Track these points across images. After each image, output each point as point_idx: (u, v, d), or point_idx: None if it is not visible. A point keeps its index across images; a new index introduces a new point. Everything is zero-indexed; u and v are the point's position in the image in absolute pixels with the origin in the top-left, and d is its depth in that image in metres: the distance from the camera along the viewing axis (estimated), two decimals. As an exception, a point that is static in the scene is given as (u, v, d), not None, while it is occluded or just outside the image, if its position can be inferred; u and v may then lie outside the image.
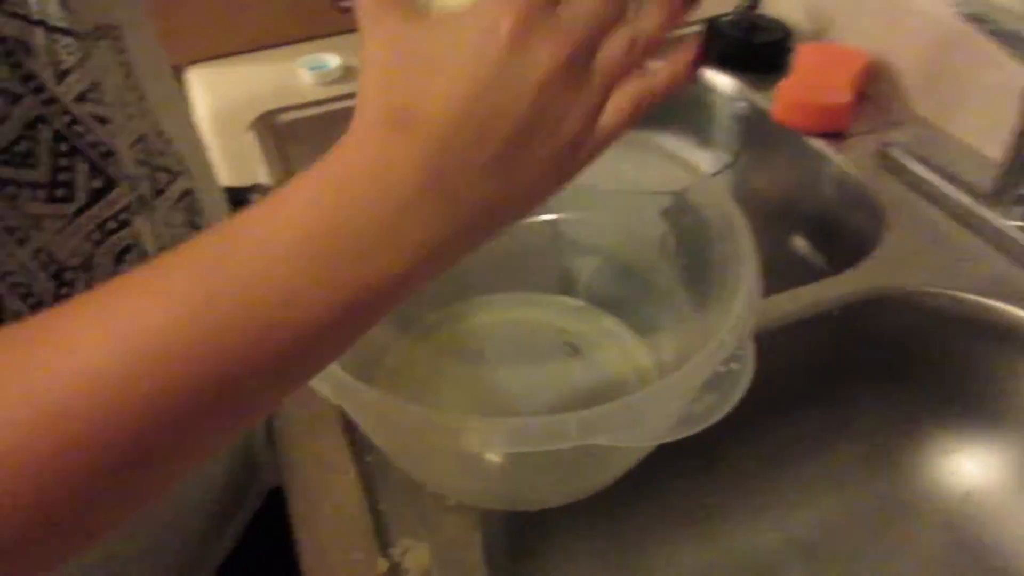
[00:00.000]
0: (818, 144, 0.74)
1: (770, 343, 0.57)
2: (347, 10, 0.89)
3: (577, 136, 0.29)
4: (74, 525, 0.25)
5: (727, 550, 0.56)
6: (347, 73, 0.84)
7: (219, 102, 0.81)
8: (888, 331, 0.59)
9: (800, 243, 0.77)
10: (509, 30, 0.27)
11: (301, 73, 0.83)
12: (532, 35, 0.27)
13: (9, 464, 0.23)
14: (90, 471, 0.24)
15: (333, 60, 0.83)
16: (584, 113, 0.28)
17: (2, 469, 0.23)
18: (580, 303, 0.56)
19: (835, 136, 0.74)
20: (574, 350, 0.53)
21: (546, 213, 0.58)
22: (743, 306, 0.39)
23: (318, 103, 0.78)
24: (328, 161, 0.27)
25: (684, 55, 0.31)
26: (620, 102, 0.29)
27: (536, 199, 0.29)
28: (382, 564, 0.42)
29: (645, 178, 0.55)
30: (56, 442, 0.24)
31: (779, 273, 0.76)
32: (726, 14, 0.85)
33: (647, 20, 0.29)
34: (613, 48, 0.28)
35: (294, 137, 0.75)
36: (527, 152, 0.28)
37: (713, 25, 0.84)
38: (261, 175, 0.71)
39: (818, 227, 0.75)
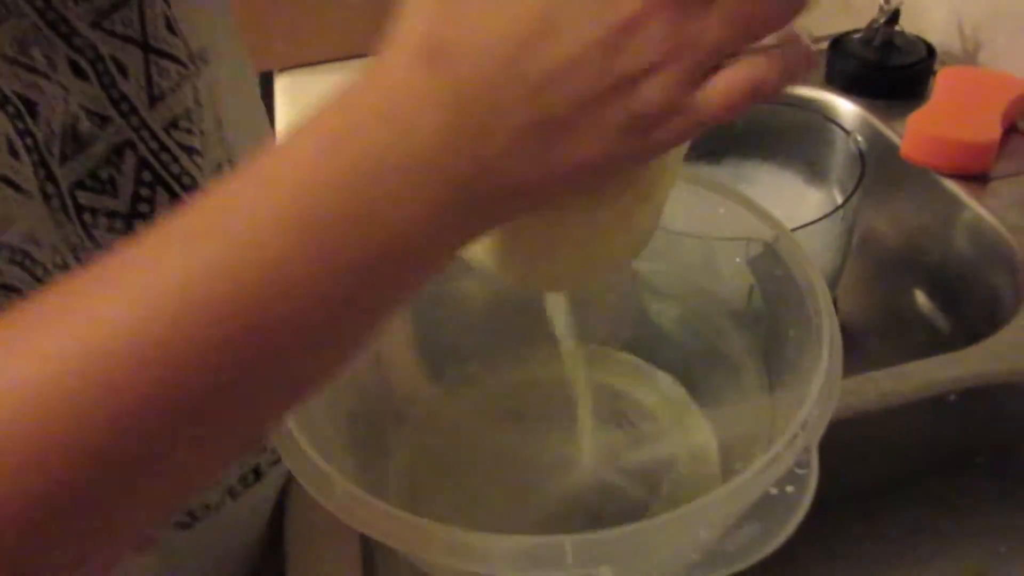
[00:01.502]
0: (953, 186, 0.63)
1: (870, 426, 0.49)
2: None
3: (661, 107, 0.22)
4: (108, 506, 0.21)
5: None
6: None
7: (301, 114, 0.79)
8: (1019, 425, 0.49)
9: (922, 300, 0.66)
10: None
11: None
12: None
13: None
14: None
15: (418, 70, 0.79)
16: (677, 80, 0.22)
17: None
18: (642, 362, 0.49)
19: (975, 178, 0.63)
20: (624, 419, 0.46)
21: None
22: (810, 412, 0.31)
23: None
24: (337, 99, 0.22)
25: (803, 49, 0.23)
26: (727, 82, 0.22)
27: (587, 177, 0.23)
28: (368, 661, 0.37)
29: (732, 225, 0.47)
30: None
31: (893, 333, 0.66)
32: (856, 31, 0.74)
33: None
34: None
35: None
36: (588, 117, 0.22)
37: (840, 43, 0.74)
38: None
39: (945, 284, 0.64)
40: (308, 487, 0.30)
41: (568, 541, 0.27)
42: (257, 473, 0.44)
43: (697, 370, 0.48)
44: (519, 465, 0.44)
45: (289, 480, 0.47)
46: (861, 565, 0.51)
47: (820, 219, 0.54)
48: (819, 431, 0.31)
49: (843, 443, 0.48)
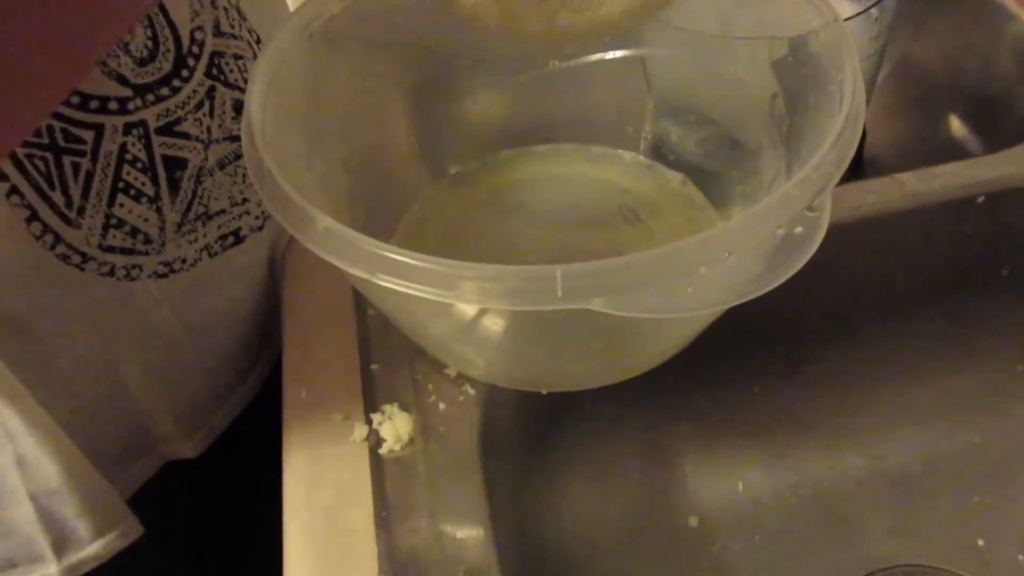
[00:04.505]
0: (1001, -2, 0.59)
1: (887, 230, 0.46)
2: None
3: None
4: None
5: (798, 474, 0.47)
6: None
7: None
8: (1049, 231, 0.47)
9: (956, 126, 0.63)
10: None
11: None
12: None
13: None
14: None
15: None
16: None
17: None
18: (648, 161, 0.46)
19: (1025, -12, 0.59)
20: (632, 215, 0.44)
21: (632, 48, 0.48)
22: (826, 155, 0.29)
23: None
24: None
25: None
26: None
27: None
28: (360, 431, 0.37)
29: (758, 20, 0.44)
30: None
31: (923, 158, 0.63)
32: None
33: None
34: None
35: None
36: None
37: None
38: None
39: (983, 105, 0.61)
40: (289, 226, 0.29)
41: (559, 271, 0.26)
42: (237, 236, 0.43)
43: (709, 170, 0.46)
44: (517, 256, 0.43)
45: (283, 264, 0.47)
46: (872, 378, 0.49)
47: (851, 17, 0.50)
48: (835, 174, 0.29)
49: (865, 247, 0.47)
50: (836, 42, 0.36)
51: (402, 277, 0.27)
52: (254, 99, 0.33)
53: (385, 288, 0.27)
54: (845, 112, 0.30)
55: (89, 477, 0.39)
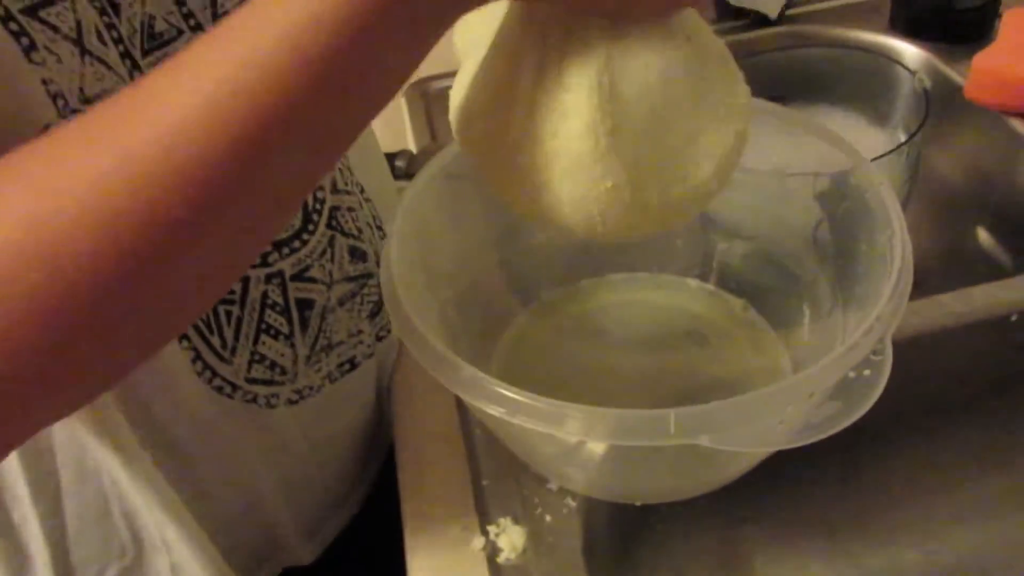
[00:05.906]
0: (1017, 124, 0.65)
1: (932, 347, 0.51)
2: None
3: None
4: (154, 283, 0.25)
5: (860, 568, 0.51)
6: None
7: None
8: (1080, 345, 0.51)
9: (984, 238, 0.68)
10: None
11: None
12: None
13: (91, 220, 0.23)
14: (168, 218, 0.24)
15: (489, 26, 0.82)
16: None
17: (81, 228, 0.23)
18: (713, 288, 0.52)
19: (1039, 117, 0.65)
20: (702, 339, 0.50)
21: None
22: (885, 307, 0.34)
23: (471, 70, 0.77)
24: None
25: None
26: None
27: None
28: (479, 542, 0.42)
29: (801, 159, 0.50)
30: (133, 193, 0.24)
31: (955, 270, 0.68)
32: (919, -24, 0.76)
33: None
34: None
35: (444, 106, 0.75)
36: None
37: (902, -12, 0.76)
38: (408, 142, 0.72)
39: (1006, 221, 0.66)
40: (435, 373, 0.35)
41: (672, 413, 0.31)
42: (352, 363, 0.49)
43: (768, 296, 0.51)
44: (604, 380, 0.48)
45: (388, 383, 0.52)
46: (925, 479, 0.54)
47: (884, 155, 0.56)
48: (893, 323, 0.34)
49: (910, 363, 0.51)
50: (878, 193, 0.41)
51: (538, 419, 0.32)
52: (393, 260, 0.39)
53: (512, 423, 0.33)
54: (897, 267, 0.36)
55: None
